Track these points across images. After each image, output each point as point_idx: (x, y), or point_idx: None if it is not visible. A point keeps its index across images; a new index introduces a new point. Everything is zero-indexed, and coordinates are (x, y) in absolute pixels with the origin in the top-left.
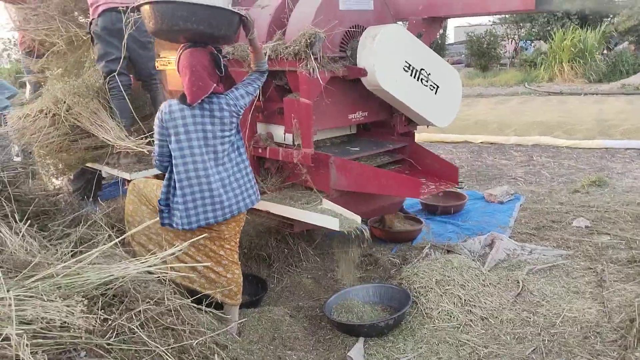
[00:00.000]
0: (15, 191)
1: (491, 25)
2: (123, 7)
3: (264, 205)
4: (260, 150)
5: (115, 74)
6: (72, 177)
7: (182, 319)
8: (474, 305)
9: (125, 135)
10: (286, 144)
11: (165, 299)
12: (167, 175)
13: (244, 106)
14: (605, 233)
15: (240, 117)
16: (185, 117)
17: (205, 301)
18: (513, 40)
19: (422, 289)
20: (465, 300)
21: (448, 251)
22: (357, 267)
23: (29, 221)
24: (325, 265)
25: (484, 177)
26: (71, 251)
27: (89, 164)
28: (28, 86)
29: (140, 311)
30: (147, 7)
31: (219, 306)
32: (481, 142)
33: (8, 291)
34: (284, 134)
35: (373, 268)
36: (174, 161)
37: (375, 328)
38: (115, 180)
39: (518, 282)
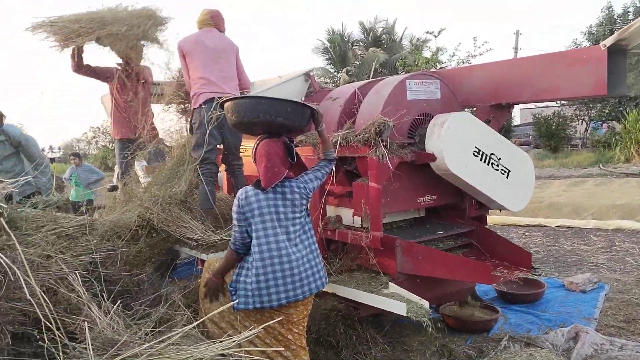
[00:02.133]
0: (104, 272)
1: (559, 106)
2: (218, 95)
3: (330, 287)
4: (329, 233)
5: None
6: None
7: None
8: None
9: (212, 231)
10: (354, 227)
11: None
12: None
13: (312, 189)
14: None
15: (310, 199)
16: (259, 200)
17: None
18: (584, 122)
19: None
20: None
21: (528, 344)
22: (430, 358)
23: (117, 301)
24: (396, 354)
25: (562, 263)
26: (151, 330)
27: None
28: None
29: None
30: (230, 102)
31: None
32: (557, 226)
33: None
34: (353, 216)
35: (447, 359)
36: (252, 249)
37: None
38: (189, 259)
39: None
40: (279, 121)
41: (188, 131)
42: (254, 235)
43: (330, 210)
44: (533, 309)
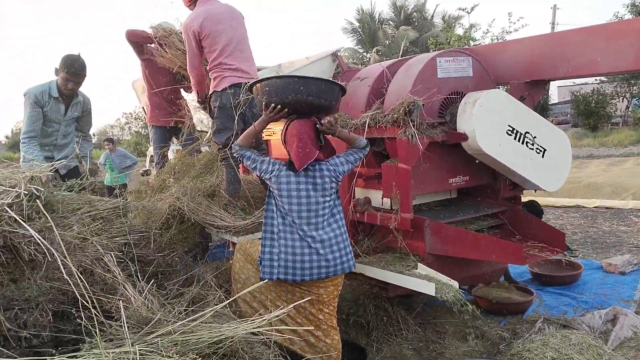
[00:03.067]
0: (138, 252)
1: (599, 83)
2: (246, 80)
3: (359, 268)
4: (358, 215)
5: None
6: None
7: None
8: None
9: (242, 217)
10: (383, 209)
11: None
12: (264, 228)
13: (343, 172)
14: None
15: (339, 183)
16: (290, 182)
17: None
18: (625, 99)
19: None
20: None
21: (564, 326)
22: (463, 340)
23: (150, 280)
24: (427, 336)
25: (600, 245)
26: (185, 310)
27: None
28: (149, 156)
29: None
30: (260, 84)
31: None
32: (595, 207)
33: (132, 345)
34: (382, 198)
35: (480, 342)
36: (276, 221)
37: None
38: (221, 242)
39: None
40: (310, 100)
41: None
42: (283, 214)
43: (359, 192)
44: (569, 291)
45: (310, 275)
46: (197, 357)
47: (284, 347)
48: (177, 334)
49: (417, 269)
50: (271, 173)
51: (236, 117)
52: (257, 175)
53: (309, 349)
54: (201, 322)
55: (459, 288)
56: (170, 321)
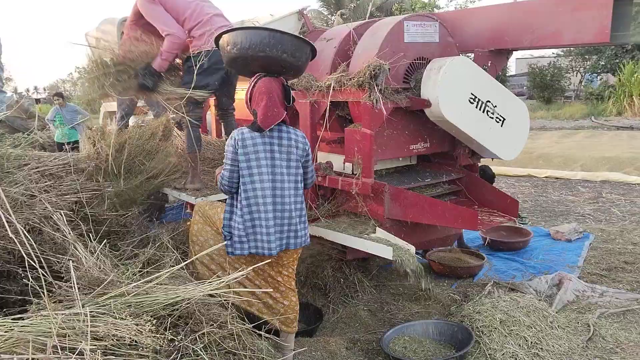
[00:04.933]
0: (91, 212)
1: (555, 57)
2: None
3: (318, 231)
4: (319, 179)
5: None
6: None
7: (243, 343)
8: (541, 349)
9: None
10: (345, 173)
11: (228, 323)
12: (229, 201)
13: (305, 158)
14: None
15: (301, 162)
16: (256, 144)
17: (264, 328)
18: (578, 73)
19: (485, 328)
20: (531, 342)
21: (512, 289)
22: (416, 302)
23: (103, 240)
24: (382, 297)
25: (549, 213)
26: (140, 271)
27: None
28: (102, 112)
29: (204, 334)
30: (233, 33)
31: (276, 333)
32: (546, 177)
33: (83, 306)
34: (344, 163)
35: (432, 303)
36: (243, 187)
37: None
38: (179, 203)
39: (589, 326)
40: (284, 58)
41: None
42: (247, 178)
43: (321, 156)
44: (518, 257)
45: (279, 246)
46: (151, 319)
47: (242, 309)
48: (130, 295)
49: (375, 233)
50: (235, 147)
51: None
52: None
53: (267, 310)
54: (156, 284)
55: (415, 252)
56: (124, 282)
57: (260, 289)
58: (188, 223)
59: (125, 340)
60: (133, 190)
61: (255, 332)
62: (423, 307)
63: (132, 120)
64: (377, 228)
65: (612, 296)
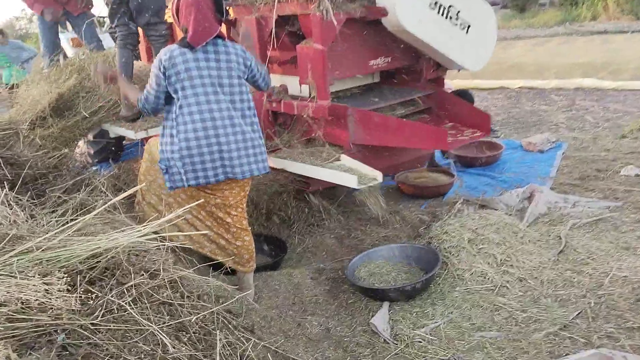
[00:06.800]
0: (6, 153)
1: None
2: None
3: (278, 162)
4: (274, 105)
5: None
6: (91, 139)
7: (182, 292)
8: (511, 265)
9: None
10: (301, 97)
11: (161, 271)
12: (162, 131)
13: (250, 59)
14: None
15: (246, 75)
16: (187, 61)
17: (221, 269)
18: None
19: (453, 248)
20: (501, 260)
21: (482, 206)
22: (384, 226)
23: (26, 186)
24: (349, 224)
25: (522, 124)
26: (66, 221)
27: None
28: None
29: (132, 286)
30: None
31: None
32: (519, 87)
33: None
34: (300, 85)
35: (400, 226)
36: (178, 113)
37: (401, 292)
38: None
39: (560, 239)
40: None
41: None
42: (182, 101)
43: (275, 79)
44: (489, 171)
45: (224, 174)
46: (65, 276)
47: (195, 250)
48: (38, 251)
49: (340, 160)
50: (159, 67)
51: None
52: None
53: (220, 251)
54: (79, 234)
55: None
56: (37, 236)
57: (212, 230)
58: (139, 162)
59: (31, 304)
60: (69, 130)
61: (204, 278)
62: (391, 231)
63: (70, 53)
64: (341, 155)
65: (585, 206)
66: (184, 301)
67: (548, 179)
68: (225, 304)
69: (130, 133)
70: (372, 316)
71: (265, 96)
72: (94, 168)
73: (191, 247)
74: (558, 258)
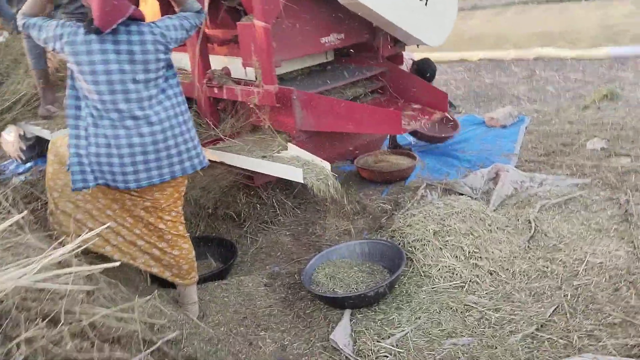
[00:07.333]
0: None
1: None
2: None
3: (217, 155)
4: (215, 90)
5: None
6: (22, 134)
7: (92, 339)
8: (480, 258)
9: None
10: (247, 80)
11: (62, 315)
12: (68, 121)
13: (175, 40)
14: (625, 154)
15: (170, 53)
16: (92, 52)
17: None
18: None
19: (418, 242)
20: (469, 252)
21: (446, 190)
22: (344, 218)
23: None
24: (306, 217)
25: (483, 98)
26: None
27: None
28: None
29: (23, 341)
30: None
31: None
32: (479, 60)
33: None
34: (244, 68)
35: (361, 217)
36: (84, 112)
37: (363, 299)
38: None
39: (530, 223)
40: None
41: None
42: (87, 101)
43: (216, 62)
44: (452, 150)
45: (136, 181)
46: None
47: (125, 263)
48: None
49: (286, 150)
50: (60, 39)
51: None
52: (50, 51)
53: (155, 263)
54: None
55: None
56: None
57: (143, 238)
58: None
59: None
60: None
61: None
62: (351, 223)
63: None
64: (288, 144)
65: (552, 184)
66: (93, 355)
67: (512, 155)
68: (153, 346)
69: (45, 133)
70: (333, 328)
71: (206, 80)
72: (28, 165)
73: (120, 260)
74: (529, 245)
